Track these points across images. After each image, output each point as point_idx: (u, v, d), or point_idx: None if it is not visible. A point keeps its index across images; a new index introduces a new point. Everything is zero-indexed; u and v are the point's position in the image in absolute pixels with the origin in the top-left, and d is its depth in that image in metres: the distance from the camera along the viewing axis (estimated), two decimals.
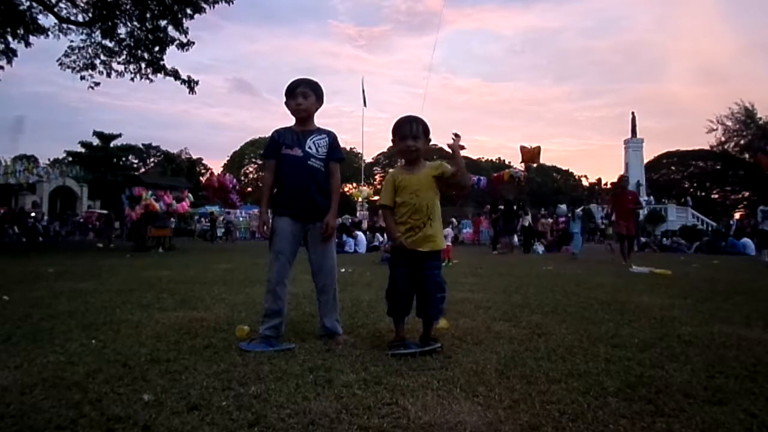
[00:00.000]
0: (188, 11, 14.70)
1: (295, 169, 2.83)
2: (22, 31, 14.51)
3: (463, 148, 2.68)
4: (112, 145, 41.76)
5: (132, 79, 16.09)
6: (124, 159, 46.45)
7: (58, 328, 3.11)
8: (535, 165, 24.07)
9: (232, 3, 15.10)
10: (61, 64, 15.76)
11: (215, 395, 1.92)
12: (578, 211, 13.60)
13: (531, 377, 2.18)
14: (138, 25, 15.25)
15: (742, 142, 41.18)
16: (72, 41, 15.76)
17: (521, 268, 8.68)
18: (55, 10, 14.90)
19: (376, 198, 25.11)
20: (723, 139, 42.11)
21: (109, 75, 15.98)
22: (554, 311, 3.92)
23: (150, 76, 15.99)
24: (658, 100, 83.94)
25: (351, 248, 13.57)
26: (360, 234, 14.80)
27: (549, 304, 4.28)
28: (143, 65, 15.84)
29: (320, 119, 3.01)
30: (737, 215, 31.66)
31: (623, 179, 10.96)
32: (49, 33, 15.28)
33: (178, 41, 15.38)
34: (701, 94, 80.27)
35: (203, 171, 55.01)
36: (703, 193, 44.92)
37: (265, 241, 3.01)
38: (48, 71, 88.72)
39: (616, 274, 7.45)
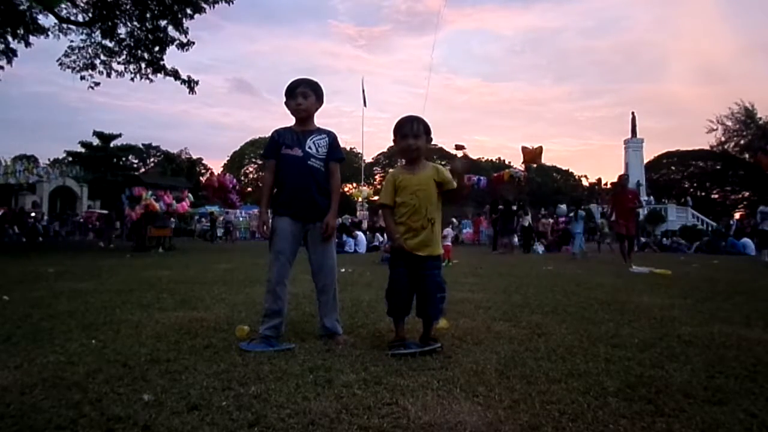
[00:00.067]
0: (188, 11, 14.71)
1: (295, 169, 2.83)
2: (22, 31, 14.51)
3: (468, 171, 2.68)
4: (112, 145, 41.74)
5: (132, 79, 16.14)
6: (124, 159, 46.43)
7: (58, 328, 3.11)
8: (535, 165, 24.06)
9: (232, 3, 15.12)
10: (61, 64, 15.78)
11: (215, 395, 1.92)
12: (581, 211, 13.58)
13: (531, 377, 2.18)
14: (138, 25, 15.25)
15: (742, 142, 41.18)
16: (72, 41, 15.81)
17: (521, 268, 8.68)
18: (55, 10, 14.90)
19: (376, 198, 25.12)
20: (723, 139, 42.17)
21: (109, 75, 16.02)
22: (554, 311, 3.92)
23: (150, 76, 16.02)
24: (658, 100, 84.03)
25: (351, 248, 13.57)
26: (360, 234, 14.80)
27: (549, 304, 4.28)
28: (143, 65, 15.85)
29: (320, 119, 3.01)
30: (737, 215, 31.67)
31: (623, 178, 10.94)
32: (49, 33, 15.29)
33: (178, 41, 15.39)
34: (701, 94, 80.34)
35: (203, 171, 55.01)
36: (703, 193, 44.93)
37: (265, 241, 3.01)
38: (48, 71, 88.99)
39: (616, 274, 7.45)
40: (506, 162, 54.83)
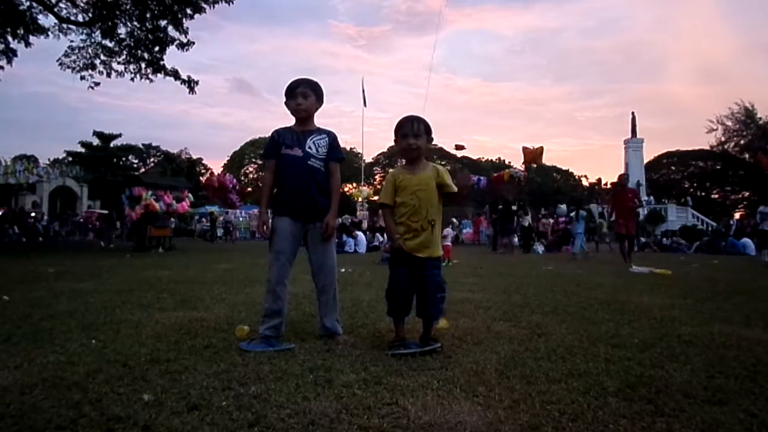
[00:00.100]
0: (188, 11, 14.70)
1: (295, 169, 2.83)
2: (22, 31, 14.51)
3: (468, 190, 2.69)
4: (112, 145, 41.78)
5: (132, 79, 16.12)
6: (124, 159, 46.45)
7: (58, 328, 3.11)
8: (535, 166, 24.06)
9: (232, 3, 15.12)
10: (61, 64, 15.77)
11: (215, 395, 1.92)
12: (582, 211, 13.57)
13: (531, 377, 2.18)
14: (138, 25, 15.25)
15: (742, 142, 41.18)
16: (72, 41, 15.80)
17: (521, 268, 8.68)
18: (55, 10, 14.90)
19: (376, 198, 25.11)
20: (723, 139, 42.17)
21: (109, 75, 16.01)
22: (554, 311, 3.92)
23: (150, 76, 16.01)
24: (658, 100, 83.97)
25: (351, 248, 13.58)
26: (360, 234, 14.80)
27: (549, 304, 4.28)
28: (143, 65, 15.84)
29: (320, 119, 3.01)
30: (737, 215, 31.66)
31: (623, 177, 10.94)
32: (49, 33, 15.29)
33: (178, 41, 15.38)
34: (701, 94, 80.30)
35: (203, 171, 54.98)
36: (703, 193, 44.91)
37: (265, 241, 3.01)
38: (48, 71, 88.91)
39: (616, 274, 7.45)
40: (506, 162, 54.88)
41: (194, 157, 55.56)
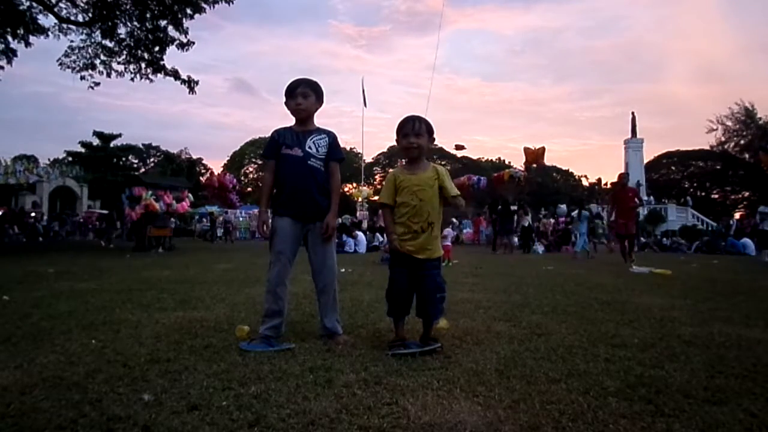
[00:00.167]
0: (188, 11, 14.69)
1: (295, 169, 2.83)
2: (22, 31, 14.48)
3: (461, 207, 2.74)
4: (112, 145, 41.78)
5: (132, 79, 16.10)
6: (124, 159, 46.45)
7: (58, 328, 3.11)
8: (535, 166, 24.05)
9: (232, 3, 15.09)
10: (61, 64, 15.76)
11: (215, 395, 1.92)
12: (584, 211, 13.56)
13: (531, 377, 2.18)
14: (138, 25, 15.24)
15: (742, 142, 41.16)
16: (72, 41, 15.78)
17: (521, 268, 8.68)
18: (55, 10, 14.89)
19: (376, 198, 25.12)
20: (723, 139, 42.16)
21: (109, 75, 15.99)
22: (554, 311, 3.92)
23: (150, 76, 15.99)
24: (658, 100, 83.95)
25: (351, 248, 13.57)
26: (360, 234, 14.80)
27: (549, 304, 4.28)
28: (143, 65, 15.83)
29: (320, 119, 3.01)
30: (737, 215, 31.64)
31: (624, 176, 10.92)
32: (49, 33, 15.26)
33: (178, 41, 15.37)
34: (701, 94, 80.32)
35: (203, 171, 54.96)
36: (703, 193, 44.91)
37: (264, 241, 3.01)
38: (48, 71, 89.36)
39: (616, 274, 7.45)
40: (506, 162, 54.88)
41: (194, 157, 55.67)
